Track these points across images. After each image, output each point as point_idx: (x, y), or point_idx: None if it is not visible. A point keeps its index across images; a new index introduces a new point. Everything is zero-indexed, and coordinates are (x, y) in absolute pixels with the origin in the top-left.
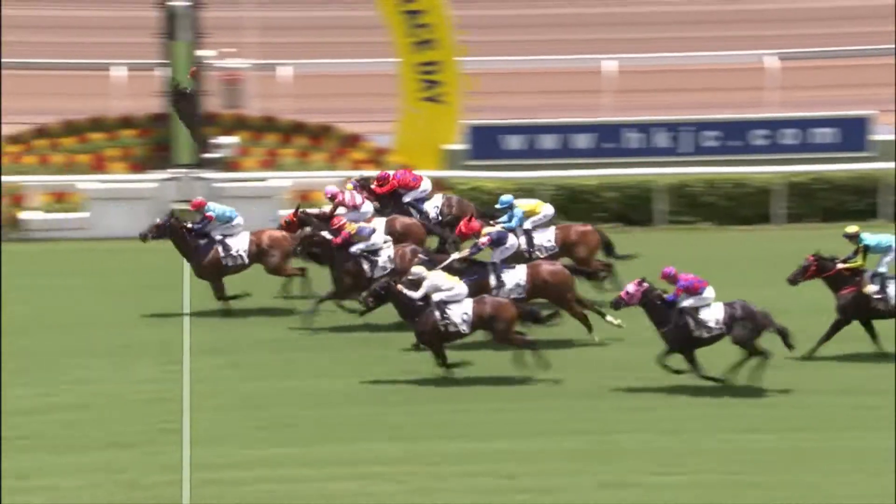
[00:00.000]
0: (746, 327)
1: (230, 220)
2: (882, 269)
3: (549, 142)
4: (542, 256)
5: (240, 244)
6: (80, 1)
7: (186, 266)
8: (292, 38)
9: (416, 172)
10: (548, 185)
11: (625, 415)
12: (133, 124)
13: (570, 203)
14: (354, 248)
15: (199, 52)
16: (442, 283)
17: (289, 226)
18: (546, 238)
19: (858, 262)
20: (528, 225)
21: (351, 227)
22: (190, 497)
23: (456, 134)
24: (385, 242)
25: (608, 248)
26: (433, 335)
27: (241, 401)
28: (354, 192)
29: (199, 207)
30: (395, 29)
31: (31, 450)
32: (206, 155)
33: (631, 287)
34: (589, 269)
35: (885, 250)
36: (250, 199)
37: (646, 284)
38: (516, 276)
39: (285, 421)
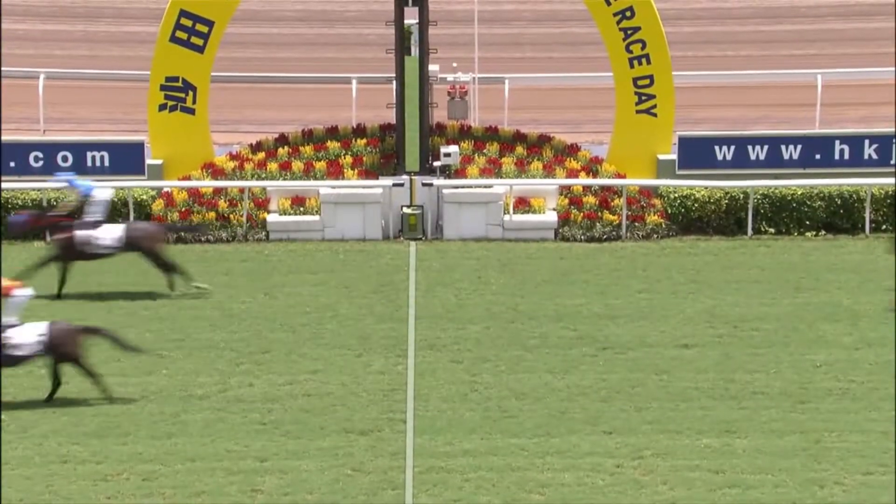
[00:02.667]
0: None
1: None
2: None
3: (757, 152)
4: None
5: None
6: (321, 21)
7: (412, 264)
8: (513, 53)
9: None
10: (754, 193)
11: (835, 415)
12: (365, 133)
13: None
14: None
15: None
16: None
17: None
18: None
19: None
20: None
21: None
22: (413, 482)
23: (669, 144)
24: None
25: None
26: None
27: (463, 393)
28: None
29: None
30: (611, 45)
31: (271, 434)
32: (434, 163)
33: None
34: None
35: None
36: (473, 205)
37: None
38: None
39: (506, 413)
